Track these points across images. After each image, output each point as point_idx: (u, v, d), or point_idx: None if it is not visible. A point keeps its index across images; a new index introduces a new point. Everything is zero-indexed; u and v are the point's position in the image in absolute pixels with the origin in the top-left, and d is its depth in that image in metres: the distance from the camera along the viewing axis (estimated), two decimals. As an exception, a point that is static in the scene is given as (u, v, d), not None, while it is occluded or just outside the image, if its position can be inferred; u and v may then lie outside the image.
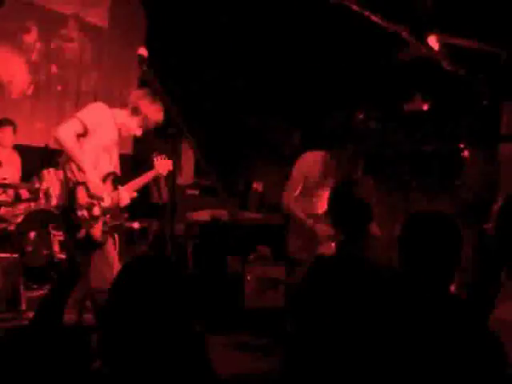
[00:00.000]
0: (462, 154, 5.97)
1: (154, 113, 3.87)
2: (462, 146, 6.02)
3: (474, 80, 5.64)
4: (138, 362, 1.53)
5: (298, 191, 4.25)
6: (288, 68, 6.96)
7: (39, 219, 5.36)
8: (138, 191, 4.12)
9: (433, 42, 5.52)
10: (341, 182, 3.37)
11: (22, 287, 4.72)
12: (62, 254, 5.29)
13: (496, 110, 5.80)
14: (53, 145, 6.01)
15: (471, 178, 5.93)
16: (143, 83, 4.79)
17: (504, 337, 1.81)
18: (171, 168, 3.99)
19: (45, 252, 5.31)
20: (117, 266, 3.78)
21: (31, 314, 4.34)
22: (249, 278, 5.38)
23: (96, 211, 3.70)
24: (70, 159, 3.70)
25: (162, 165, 4.15)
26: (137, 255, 5.08)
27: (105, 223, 3.77)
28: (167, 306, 1.57)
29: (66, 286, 3.60)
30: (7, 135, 5.79)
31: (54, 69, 6.88)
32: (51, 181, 5.65)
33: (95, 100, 6.80)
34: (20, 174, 5.85)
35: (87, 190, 3.67)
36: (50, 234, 5.35)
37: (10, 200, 5.41)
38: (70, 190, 3.67)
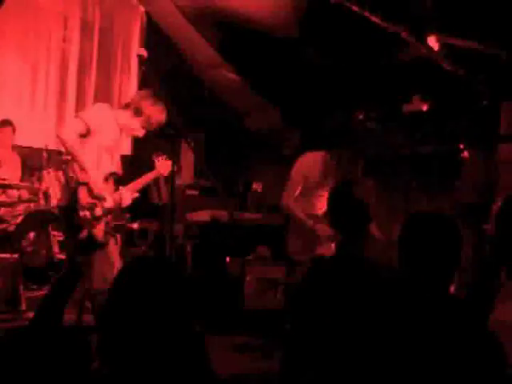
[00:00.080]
0: (461, 155, 5.97)
1: (157, 114, 3.87)
2: (461, 146, 6.02)
3: (473, 80, 5.64)
4: (138, 362, 1.53)
5: (297, 191, 4.25)
6: (288, 68, 6.96)
7: (39, 220, 5.37)
8: (139, 191, 4.13)
9: (432, 42, 5.52)
10: (340, 182, 3.37)
11: (21, 287, 4.72)
12: (62, 254, 5.29)
13: (496, 111, 5.80)
14: (52, 145, 6.04)
15: (471, 179, 5.93)
16: (143, 83, 4.79)
17: (504, 337, 1.81)
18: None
19: (44, 252, 5.31)
20: (118, 267, 3.79)
21: (31, 315, 4.34)
22: (248, 278, 5.38)
23: (98, 211, 3.71)
24: (72, 159, 3.71)
25: (163, 165, 4.15)
26: (136, 256, 5.10)
27: (107, 223, 3.77)
28: (167, 306, 1.57)
29: (67, 287, 3.60)
30: (7, 135, 5.79)
31: (53, 69, 6.88)
32: (51, 181, 5.67)
33: (95, 100, 6.82)
34: (20, 175, 5.85)
35: (89, 190, 3.68)
36: (49, 234, 5.36)
37: (9, 200, 5.41)
38: (71, 190, 3.67)
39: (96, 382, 1.59)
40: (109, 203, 3.77)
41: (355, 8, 5.20)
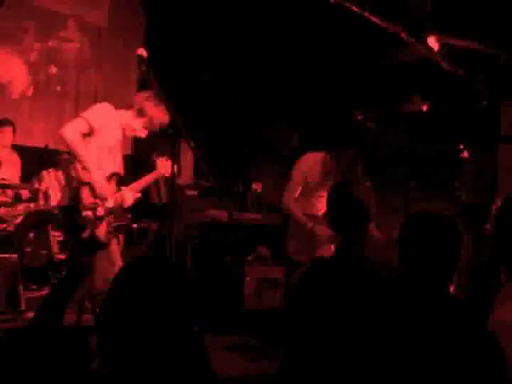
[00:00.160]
0: (461, 155, 5.97)
1: (160, 115, 3.88)
2: (461, 146, 6.02)
3: (473, 80, 5.64)
4: (138, 362, 1.53)
5: (298, 192, 4.26)
6: (287, 68, 6.96)
7: (38, 220, 5.37)
8: (141, 192, 4.13)
9: (432, 42, 5.52)
10: (339, 182, 3.37)
11: (21, 287, 4.71)
12: (62, 254, 5.29)
13: (495, 111, 5.80)
14: (52, 145, 6.04)
15: (470, 179, 5.94)
16: (143, 84, 4.79)
17: (503, 337, 1.81)
18: (175, 170, 3.99)
19: (44, 252, 5.31)
20: (119, 267, 3.79)
21: (31, 315, 4.34)
22: (248, 278, 5.38)
23: (100, 211, 3.71)
24: (74, 159, 3.71)
25: (165, 166, 4.15)
26: (136, 256, 5.08)
27: (109, 224, 3.77)
28: (167, 306, 1.57)
29: (68, 287, 3.60)
30: (7, 135, 5.79)
31: (53, 69, 6.88)
32: (50, 181, 5.68)
33: (95, 101, 6.82)
34: (19, 175, 5.85)
35: (92, 190, 3.68)
36: (49, 234, 5.36)
37: (9, 200, 5.41)
38: (74, 189, 3.67)
39: (96, 382, 1.59)
40: (110, 203, 3.78)
41: (355, 8, 5.20)
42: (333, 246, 2.94)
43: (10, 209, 5.37)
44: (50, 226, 5.37)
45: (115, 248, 3.93)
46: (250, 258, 5.61)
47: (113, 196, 3.81)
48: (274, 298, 5.34)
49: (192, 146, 3.47)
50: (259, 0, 6.43)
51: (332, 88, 6.76)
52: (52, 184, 5.65)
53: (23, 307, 4.66)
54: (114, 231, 3.85)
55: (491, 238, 2.25)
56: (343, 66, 6.54)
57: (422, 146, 6.20)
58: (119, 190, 3.90)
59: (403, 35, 5.42)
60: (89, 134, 3.75)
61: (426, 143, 6.18)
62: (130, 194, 3.96)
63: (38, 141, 6.25)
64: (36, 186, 5.56)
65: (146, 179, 4.19)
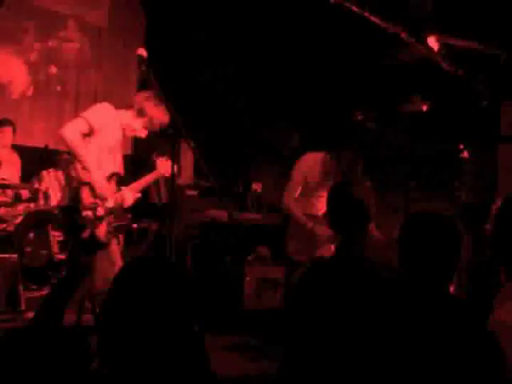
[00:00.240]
0: (461, 155, 5.97)
1: (160, 115, 3.87)
2: (461, 146, 6.02)
3: (473, 80, 5.64)
4: (138, 362, 1.53)
5: (298, 192, 4.26)
6: (287, 69, 6.96)
7: (38, 220, 5.37)
8: (141, 192, 4.13)
9: (432, 42, 5.52)
10: (339, 182, 3.37)
11: (21, 287, 4.71)
12: (61, 254, 5.29)
13: (495, 111, 5.80)
14: (52, 145, 6.04)
15: (470, 179, 5.94)
16: (143, 84, 4.79)
17: (503, 338, 1.81)
18: (175, 170, 3.99)
19: (44, 252, 5.31)
20: (120, 267, 3.79)
21: (31, 315, 4.34)
22: (248, 278, 5.38)
23: (100, 211, 3.70)
24: (74, 159, 3.70)
25: (165, 166, 4.15)
26: (136, 256, 5.08)
27: (109, 224, 3.77)
28: (167, 306, 1.57)
29: (69, 287, 3.60)
30: (7, 135, 5.78)
31: (53, 69, 6.88)
32: (50, 181, 5.68)
33: (95, 101, 6.82)
34: (20, 175, 5.85)
35: (92, 190, 3.67)
36: (49, 234, 5.35)
37: (9, 200, 5.41)
38: (74, 189, 3.67)
39: (96, 382, 1.59)
40: (110, 203, 3.78)
41: (355, 8, 5.20)
42: (333, 246, 2.94)
43: (10, 209, 5.37)
44: (49, 226, 5.37)
45: (115, 248, 3.93)
46: (249, 258, 5.61)
47: (113, 196, 3.81)
48: (274, 298, 5.34)
49: (192, 145, 3.47)
50: (259, 0, 6.44)
51: (332, 88, 6.76)
52: (52, 184, 5.65)
53: (23, 307, 4.66)
54: (113, 231, 3.85)
55: (491, 237, 2.25)
56: (343, 66, 6.54)
57: (422, 145, 6.20)
58: (119, 190, 3.90)
59: (403, 35, 5.42)
60: (89, 134, 3.75)
61: (426, 143, 6.18)
62: (130, 194, 3.96)
63: (38, 141, 6.25)
64: (36, 186, 5.56)
65: (146, 179, 4.19)
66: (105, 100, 4.16)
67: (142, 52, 3.69)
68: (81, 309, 3.73)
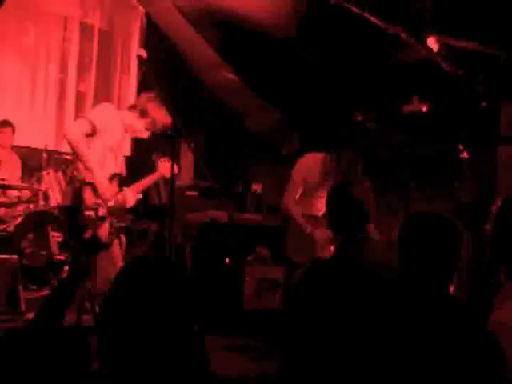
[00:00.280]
0: (461, 155, 5.97)
1: (162, 116, 3.87)
2: (460, 147, 6.02)
3: (472, 81, 5.65)
4: (138, 362, 1.53)
5: (299, 193, 4.26)
6: (287, 69, 6.96)
7: (38, 220, 5.36)
8: (142, 193, 4.14)
9: (432, 43, 5.52)
10: (338, 182, 3.37)
11: (21, 288, 4.71)
12: (61, 255, 5.29)
13: (495, 112, 5.80)
14: (52, 146, 6.04)
15: (470, 179, 5.94)
16: (143, 85, 4.80)
17: (503, 338, 1.81)
18: (175, 170, 4.00)
19: (44, 253, 5.31)
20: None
21: (31, 315, 4.34)
22: (248, 279, 5.38)
23: (102, 212, 3.70)
24: (77, 159, 3.70)
25: (166, 167, 4.15)
26: (136, 256, 5.09)
27: (111, 224, 3.77)
28: (167, 306, 1.57)
29: (70, 288, 3.59)
30: (6, 136, 5.79)
31: (53, 70, 6.88)
32: (50, 182, 5.67)
33: (94, 101, 6.82)
34: (19, 175, 5.85)
35: (94, 190, 3.67)
36: (48, 235, 5.35)
37: (9, 201, 5.41)
38: (76, 189, 3.66)
39: (96, 382, 1.59)
40: (111, 204, 3.78)
41: (355, 9, 5.21)
42: (332, 247, 2.94)
43: (9, 209, 5.36)
44: (49, 227, 5.37)
45: (116, 248, 3.93)
46: (249, 258, 5.61)
47: (114, 196, 3.81)
48: (274, 298, 5.34)
49: (192, 146, 3.47)
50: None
51: (332, 88, 6.76)
52: (52, 185, 5.65)
53: (23, 308, 4.66)
54: (116, 232, 3.85)
55: (491, 238, 2.25)
56: (343, 66, 6.54)
57: (422, 145, 6.20)
58: (121, 190, 3.91)
59: (403, 35, 5.42)
60: (91, 134, 3.74)
61: (425, 143, 6.18)
62: (131, 195, 3.96)
63: (37, 142, 6.24)
64: (35, 186, 5.56)
65: (148, 180, 4.20)
66: (104, 101, 4.16)
67: (142, 53, 3.69)
68: (80, 309, 3.73)
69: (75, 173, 3.71)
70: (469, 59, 5.56)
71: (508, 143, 5.76)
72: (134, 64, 7.21)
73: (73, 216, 3.67)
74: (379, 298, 1.98)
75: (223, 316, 5.12)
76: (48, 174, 5.72)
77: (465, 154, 5.96)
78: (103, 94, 7.08)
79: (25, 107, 6.66)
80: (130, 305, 1.56)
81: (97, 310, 3.76)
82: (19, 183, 5.64)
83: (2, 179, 5.25)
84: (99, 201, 3.69)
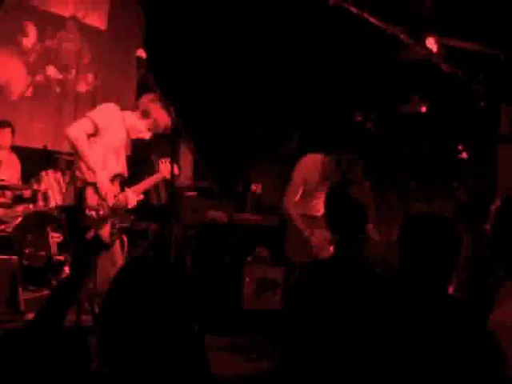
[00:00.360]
0: (460, 155, 5.97)
1: (164, 117, 3.86)
2: (460, 147, 6.03)
3: (472, 81, 5.65)
4: (137, 362, 1.53)
5: (299, 194, 4.27)
6: (286, 70, 6.97)
7: (38, 221, 5.37)
8: (143, 193, 4.14)
9: (431, 43, 5.52)
10: (337, 182, 3.37)
11: (20, 289, 4.71)
12: (60, 255, 5.29)
13: (494, 112, 5.80)
14: (51, 146, 6.03)
15: (470, 179, 5.94)
16: (143, 85, 4.79)
17: (503, 338, 1.81)
18: (177, 172, 4.00)
19: (43, 253, 5.31)
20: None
21: (30, 316, 4.34)
22: (247, 279, 5.38)
23: (104, 212, 3.70)
24: (79, 158, 3.69)
25: (167, 168, 4.14)
26: (136, 256, 5.09)
27: (113, 225, 3.77)
28: (166, 306, 1.57)
29: (71, 288, 3.59)
30: (6, 136, 5.78)
31: (52, 70, 6.88)
32: (50, 182, 5.67)
33: (94, 102, 6.82)
34: (19, 176, 5.84)
35: (96, 190, 3.67)
36: (48, 235, 5.35)
37: (8, 202, 5.41)
38: (78, 189, 3.65)
39: (95, 382, 1.58)
40: (112, 204, 3.77)
41: (354, 9, 5.20)
42: (332, 248, 2.94)
43: (9, 210, 5.36)
44: (49, 227, 5.37)
45: (117, 248, 3.93)
46: (249, 258, 5.61)
47: (116, 197, 3.81)
48: (274, 298, 5.34)
49: (191, 146, 3.47)
50: (260, 1, 6.44)
51: (331, 89, 6.76)
52: (51, 185, 5.65)
53: (22, 308, 4.66)
54: (117, 232, 3.85)
55: (491, 237, 2.25)
56: (342, 66, 6.54)
57: (421, 145, 6.20)
58: (122, 191, 3.90)
59: (402, 36, 5.42)
60: (94, 134, 3.73)
61: (425, 143, 6.19)
62: (133, 195, 3.96)
63: (37, 142, 6.24)
64: (35, 187, 5.56)
65: (149, 181, 4.20)
66: (104, 101, 4.15)
67: (141, 53, 3.69)
68: (80, 309, 3.73)
69: (77, 173, 3.70)
70: (468, 59, 5.56)
71: (507, 143, 5.76)
72: (133, 65, 7.21)
73: (74, 216, 3.66)
74: (379, 298, 1.98)
75: (223, 316, 5.12)
76: (47, 174, 5.72)
77: (464, 154, 5.96)
78: (103, 95, 7.08)
79: (24, 107, 6.65)
80: (129, 305, 1.55)
81: (96, 310, 3.76)
82: (19, 184, 5.64)
83: (2, 180, 5.24)
84: (102, 201, 3.69)
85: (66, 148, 6.04)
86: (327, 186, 3.98)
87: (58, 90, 6.94)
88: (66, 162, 5.66)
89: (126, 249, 4.15)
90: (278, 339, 2.38)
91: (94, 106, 5.89)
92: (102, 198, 3.69)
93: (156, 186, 6.09)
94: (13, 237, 5.07)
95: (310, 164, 4.26)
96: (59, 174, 5.74)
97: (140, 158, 5.88)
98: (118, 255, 3.93)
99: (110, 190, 3.74)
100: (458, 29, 5.36)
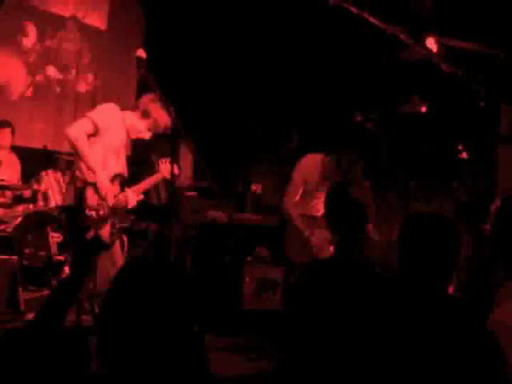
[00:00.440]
0: (460, 155, 5.97)
1: (164, 117, 3.86)
2: (460, 147, 6.03)
3: (472, 81, 5.65)
4: (137, 362, 1.53)
5: (299, 195, 4.27)
6: (286, 70, 6.97)
7: (38, 221, 5.37)
8: (143, 194, 4.14)
9: (431, 43, 5.52)
10: (337, 182, 3.37)
11: (20, 289, 4.71)
12: (60, 255, 5.29)
13: (494, 112, 5.81)
14: (51, 146, 6.03)
15: (470, 179, 5.94)
16: (143, 85, 4.79)
17: (503, 338, 1.81)
18: (177, 172, 4.00)
19: (43, 253, 5.31)
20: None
21: (30, 316, 4.34)
22: (247, 279, 5.38)
23: (104, 212, 3.70)
24: (79, 158, 3.69)
25: (167, 168, 4.14)
26: (135, 256, 5.09)
27: (113, 225, 3.77)
28: (166, 306, 1.57)
29: (71, 289, 3.58)
30: (6, 137, 5.78)
31: (52, 70, 6.88)
32: (49, 182, 5.67)
33: (94, 102, 6.82)
34: (19, 176, 5.84)
35: (96, 190, 3.67)
36: (48, 235, 5.35)
37: (8, 202, 5.41)
38: (78, 189, 3.65)
39: (95, 382, 1.58)
40: (112, 204, 3.77)
41: (354, 9, 5.20)
42: (332, 248, 2.94)
43: (9, 210, 5.36)
44: (49, 227, 5.37)
45: (117, 249, 3.93)
46: (249, 258, 5.61)
47: (116, 197, 3.81)
48: (274, 298, 5.34)
49: (191, 146, 3.47)
50: (260, 1, 6.44)
51: (331, 89, 6.76)
52: (51, 185, 5.65)
53: (22, 308, 4.66)
54: (117, 233, 3.85)
55: (490, 237, 2.25)
56: (342, 66, 6.54)
57: (421, 145, 6.20)
58: (123, 191, 3.90)
59: (402, 36, 5.42)
60: (94, 134, 3.73)
61: (425, 143, 6.19)
62: (133, 196, 3.96)
63: (37, 142, 6.24)
64: (35, 187, 5.56)
65: (150, 181, 4.20)
66: (103, 101, 4.15)
67: (141, 53, 3.69)
68: (80, 309, 3.73)
69: (77, 173, 3.70)
70: (468, 59, 5.56)
71: (507, 143, 5.76)
72: (133, 65, 7.21)
73: (74, 216, 3.66)
74: (378, 298, 1.98)
75: (223, 316, 5.12)
76: (47, 174, 5.72)
77: (464, 154, 5.96)
78: (103, 95, 7.08)
79: (24, 107, 6.65)
80: (129, 305, 1.55)
81: (96, 310, 3.76)
82: (19, 184, 5.64)
83: (2, 180, 5.24)
84: (101, 201, 3.69)
85: (65, 148, 6.03)
86: (327, 186, 3.99)
87: (58, 90, 6.94)
88: (66, 162, 5.66)
89: (126, 249, 4.15)
90: (278, 339, 2.38)
91: (94, 106, 5.88)
92: (102, 198, 3.69)
93: (156, 186, 6.09)
94: (13, 237, 5.07)
95: (310, 164, 4.26)
96: (59, 174, 5.74)
97: (140, 158, 5.88)
98: (118, 255, 3.93)
99: (110, 190, 3.74)
100: (458, 29, 5.36)
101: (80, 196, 3.62)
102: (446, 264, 1.94)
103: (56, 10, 6.83)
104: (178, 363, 1.56)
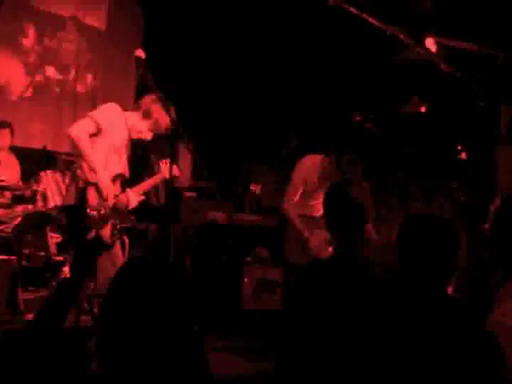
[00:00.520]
0: (460, 156, 5.97)
1: (166, 118, 3.85)
2: (459, 147, 6.03)
3: (471, 82, 5.65)
4: (137, 363, 1.53)
5: (298, 195, 4.26)
6: (286, 70, 6.97)
7: (37, 221, 5.36)
8: (144, 194, 4.13)
9: (430, 43, 5.52)
10: (336, 183, 3.37)
11: (20, 289, 4.71)
12: (59, 255, 5.29)
13: (494, 112, 5.81)
14: (51, 146, 6.03)
15: (469, 179, 5.94)
16: (142, 86, 4.79)
17: (503, 338, 1.81)
18: (177, 173, 4.00)
19: (42, 254, 5.30)
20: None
21: (29, 316, 4.34)
22: (247, 279, 5.38)
23: (105, 212, 3.70)
24: (81, 158, 3.69)
25: (168, 169, 4.14)
26: (135, 256, 5.08)
27: (114, 225, 3.77)
28: (166, 307, 1.57)
29: (71, 289, 3.58)
30: (5, 137, 5.77)
31: (51, 71, 6.88)
32: (49, 183, 5.67)
33: (93, 102, 6.82)
34: (18, 176, 5.84)
35: (97, 190, 3.66)
36: (47, 235, 5.35)
37: (7, 202, 5.40)
38: (80, 189, 3.65)
39: (94, 383, 1.58)
40: (113, 204, 3.77)
41: (354, 10, 5.21)
42: (331, 248, 2.94)
43: (8, 210, 5.36)
44: (48, 228, 5.36)
45: (118, 249, 3.93)
46: (248, 259, 5.61)
47: (117, 197, 3.81)
48: (273, 298, 5.34)
49: (191, 147, 3.47)
50: (259, 2, 6.44)
51: (331, 89, 6.77)
52: (50, 185, 5.64)
53: (22, 309, 4.65)
54: (118, 233, 3.84)
55: (490, 237, 2.25)
56: (342, 67, 6.54)
57: (421, 146, 6.20)
58: (124, 191, 3.90)
59: (402, 36, 5.42)
60: (96, 134, 3.73)
61: (425, 144, 6.19)
62: (134, 196, 3.96)
63: (36, 142, 6.24)
64: (34, 187, 5.55)
65: (150, 182, 4.20)
66: (103, 102, 4.15)
67: (140, 53, 3.69)
68: (80, 309, 3.73)
69: (79, 172, 3.70)
70: (468, 59, 5.56)
71: (507, 143, 5.77)
72: (132, 65, 7.20)
73: (74, 216, 3.66)
74: (378, 298, 1.97)
75: (222, 316, 5.12)
76: (46, 174, 5.72)
77: (464, 155, 5.96)
78: (102, 95, 7.07)
79: (24, 108, 6.65)
80: (128, 305, 1.55)
81: (96, 310, 3.76)
82: (18, 184, 5.63)
83: (1, 180, 5.24)
84: (103, 201, 3.69)
85: (65, 148, 6.04)
86: (327, 187, 4.00)
87: (57, 90, 6.94)
88: (66, 162, 5.66)
89: (126, 249, 4.15)
90: (278, 339, 2.38)
91: (93, 106, 5.89)
92: (104, 198, 3.69)
93: (156, 187, 6.09)
94: (12, 237, 5.07)
95: (310, 164, 4.26)
96: (58, 175, 5.74)
97: (140, 158, 5.88)
98: (119, 256, 3.93)
99: (112, 190, 3.74)
100: (458, 29, 5.36)
101: (81, 196, 3.61)
102: (444, 264, 1.94)
103: (55, 10, 6.83)
104: (178, 363, 1.56)
